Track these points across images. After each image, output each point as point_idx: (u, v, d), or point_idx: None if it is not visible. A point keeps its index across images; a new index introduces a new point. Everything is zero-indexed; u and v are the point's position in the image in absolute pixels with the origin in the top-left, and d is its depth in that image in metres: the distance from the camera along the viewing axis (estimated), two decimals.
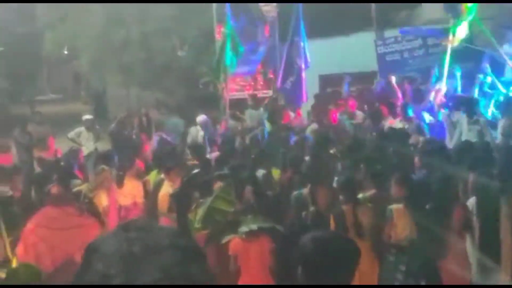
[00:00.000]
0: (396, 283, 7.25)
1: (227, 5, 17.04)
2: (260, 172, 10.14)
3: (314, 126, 15.07)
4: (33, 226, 7.22)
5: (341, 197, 8.10)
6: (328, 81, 21.02)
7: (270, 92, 21.15)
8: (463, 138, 12.22)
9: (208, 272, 1.63)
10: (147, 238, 1.61)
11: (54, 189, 9.22)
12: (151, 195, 10.38)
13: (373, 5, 20.50)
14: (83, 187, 9.73)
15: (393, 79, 16.25)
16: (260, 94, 21.22)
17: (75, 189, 9.67)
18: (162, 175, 10.27)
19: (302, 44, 16.52)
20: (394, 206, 7.54)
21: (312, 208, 7.86)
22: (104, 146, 15.90)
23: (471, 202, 7.33)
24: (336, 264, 3.52)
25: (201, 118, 16.29)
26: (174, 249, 1.59)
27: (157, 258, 1.55)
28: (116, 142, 16.04)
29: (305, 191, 8.32)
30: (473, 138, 11.68)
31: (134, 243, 1.58)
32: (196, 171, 7.35)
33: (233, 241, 7.54)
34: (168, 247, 1.59)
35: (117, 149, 14.47)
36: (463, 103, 13.29)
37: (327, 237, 3.83)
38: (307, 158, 11.02)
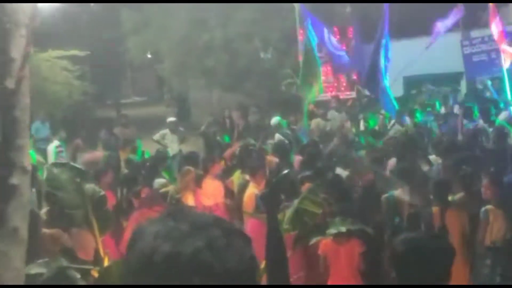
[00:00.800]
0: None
1: (309, 17, 16.92)
2: (344, 174, 10.07)
3: (398, 127, 14.86)
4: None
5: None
6: (412, 83, 20.67)
7: (353, 94, 20.97)
8: None
9: (250, 252, 1.64)
10: (193, 218, 1.65)
11: (144, 191, 9.39)
12: (236, 196, 10.42)
13: (459, 4, 20.09)
14: (170, 189, 9.84)
15: (489, 83, 15.98)
16: (343, 95, 21.07)
17: (162, 190, 9.81)
18: (247, 177, 10.30)
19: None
20: (489, 207, 7.37)
21: (411, 210, 7.76)
22: (189, 148, 16.07)
23: None
24: (429, 265, 3.45)
25: (274, 120, 16.25)
26: (219, 227, 1.63)
27: (202, 232, 1.59)
28: (206, 143, 16.34)
29: (397, 193, 8.19)
30: None
31: (180, 222, 1.62)
32: (285, 172, 7.33)
33: (323, 242, 7.48)
34: (212, 225, 1.63)
35: (207, 150, 14.73)
36: None
37: (419, 237, 3.76)
38: (393, 159, 10.91)
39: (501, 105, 14.65)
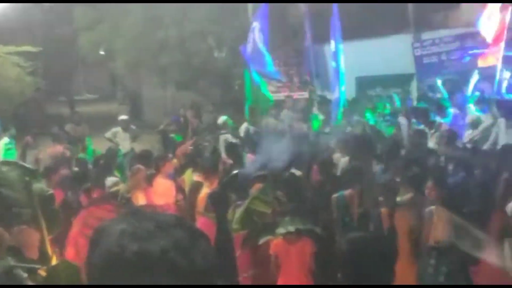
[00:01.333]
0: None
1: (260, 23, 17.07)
2: (297, 173, 10.11)
3: (348, 128, 14.98)
4: (80, 228, 7.26)
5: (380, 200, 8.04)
6: (365, 84, 20.85)
7: (305, 94, 21.06)
8: (501, 141, 12.10)
9: (213, 251, 1.68)
10: (155, 218, 1.66)
11: (93, 188, 9.30)
12: (188, 195, 10.39)
13: (410, 6, 20.33)
14: (120, 188, 9.78)
15: (440, 82, 16.22)
16: (296, 95, 21.17)
17: (112, 190, 9.74)
18: (196, 176, 10.29)
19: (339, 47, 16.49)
20: (433, 207, 7.46)
21: (360, 210, 7.82)
22: (141, 146, 15.98)
23: (511, 206, 7.21)
24: (371, 264, 3.50)
25: (220, 120, 16.26)
26: (182, 227, 1.65)
27: (167, 233, 1.60)
28: (163, 141, 16.37)
29: (347, 192, 8.25)
30: None
31: (143, 221, 1.63)
32: (235, 172, 7.35)
33: (274, 242, 7.50)
34: (176, 225, 1.65)
35: (165, 148, 14.77)
36: (502, 107, 13.14)
37: (362, 237, 3.83)
38: (344, 159, 11.00)
39: (447, 106, 14.83)
